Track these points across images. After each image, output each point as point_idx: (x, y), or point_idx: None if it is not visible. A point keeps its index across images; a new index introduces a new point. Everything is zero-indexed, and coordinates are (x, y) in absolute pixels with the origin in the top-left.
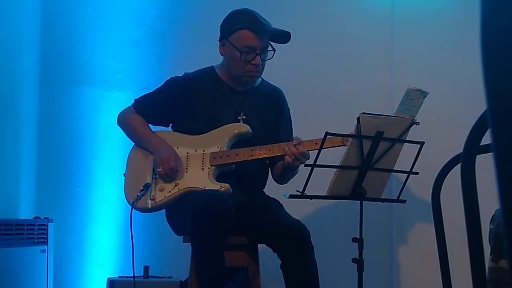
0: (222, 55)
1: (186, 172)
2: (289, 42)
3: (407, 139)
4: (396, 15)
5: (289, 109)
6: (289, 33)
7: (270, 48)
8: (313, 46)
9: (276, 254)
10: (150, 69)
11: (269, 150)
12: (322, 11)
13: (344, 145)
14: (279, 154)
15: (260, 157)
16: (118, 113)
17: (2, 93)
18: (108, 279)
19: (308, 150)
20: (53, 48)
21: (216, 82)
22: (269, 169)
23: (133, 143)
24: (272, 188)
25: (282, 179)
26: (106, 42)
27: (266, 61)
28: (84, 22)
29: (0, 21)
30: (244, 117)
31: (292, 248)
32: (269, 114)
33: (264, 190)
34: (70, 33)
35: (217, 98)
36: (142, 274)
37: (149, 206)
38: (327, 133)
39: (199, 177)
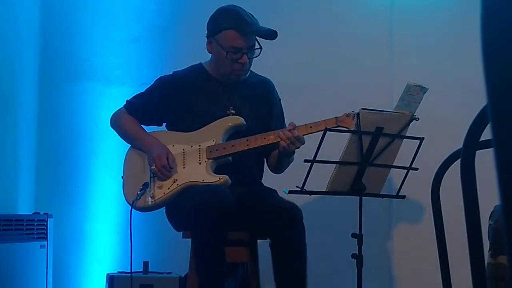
0: (210, 53)
1: (184, 168)
2: (288, 38)
3: (406, 134)
4: (395, 10)
5: (279, 99)
6: (275, 31)
7: (257, 46)
8: (313, 41)
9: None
10: (150, 65)
11: (265, 138)
12: (322, 7)
13: (339, 126)
14: (275, 141)
15: (256, 145)
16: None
17: (2, 89)
18: (107, 274)
19: (303, 135)
20: (53, 44)
21: (206, 78)
22: (265, 161)
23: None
24: (271, 183)
25: (278, 167)
26: (106, 38)
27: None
28: (83, 18)
29: (0, 18)
30: (233, 111)
31: (284, 228)
32: (261, 104)
33: (262, 182)
34: (70, 29)
35: (208, 94)
36: (141, 270)
37: (150, 203)
38: (326, 129)
39: (197, 171)
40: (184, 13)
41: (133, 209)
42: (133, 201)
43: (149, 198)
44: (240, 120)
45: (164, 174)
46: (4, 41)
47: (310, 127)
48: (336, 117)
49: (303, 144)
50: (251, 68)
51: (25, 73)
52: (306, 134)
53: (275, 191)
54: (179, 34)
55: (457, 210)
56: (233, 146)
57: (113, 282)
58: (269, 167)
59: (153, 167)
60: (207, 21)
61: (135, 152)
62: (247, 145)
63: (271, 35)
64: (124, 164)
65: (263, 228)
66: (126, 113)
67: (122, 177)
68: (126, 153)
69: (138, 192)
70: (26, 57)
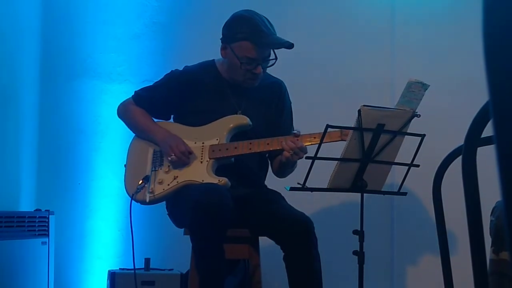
0: (223, 58)
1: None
2: (289, 35)
3: (408, 131)
4: (397, 7)
5: (290, 102)
6: (292, 44)
7: (272, 56)
8: (315, 38)
9: (277, 247)
10: (151, 61)
11: (268, 144)
12: (323, 4)
13: (343, 140)
14: (278, 148)
15: (258, 150)
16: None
17: (3, 86)
18: (109, 271)
19: (306, 145)
20: (54, 41)
21: (216, 77)
22: (269, 162)
23: (134, 135)
24: (273, 181)
25: (280, 173)
26: (107, 35)
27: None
28: (84, 15)
29: (0, 14)
30: (241, 114)
31: (297, 240)
32: (270, 107)
33: (265, 183)
34: (71, 26)
35: (217, 93)
36: (143, 267)
37: (147, 200)
38: (328, 126)
39: (197, 170)
40: (186, 10)
41: (133, 202)
42: (133, 194)
43: (148, 193)
44: (246, 120)
45: (184, 161)
46: (5, 38)
47: (314, 137)
48: (341, 130)
49: (306, 154)
50: None
51: (26, 70)
52: (309, 145)
53: (280, 193)
54: (180, 31)
55: (458, 206)
56: (235, 148)
57: (114, 278)
58: (272, 171)
59: (172, 156)
60: (223, 25)
61: (139, 142)
62: (250, 148)
63: (287, 48)
64: (127, 153)
65: (275, 237)
66: (134, 104)
67: (124, 165)
68: (131, 142)
69: (138, 185)
70: (27, 54)
